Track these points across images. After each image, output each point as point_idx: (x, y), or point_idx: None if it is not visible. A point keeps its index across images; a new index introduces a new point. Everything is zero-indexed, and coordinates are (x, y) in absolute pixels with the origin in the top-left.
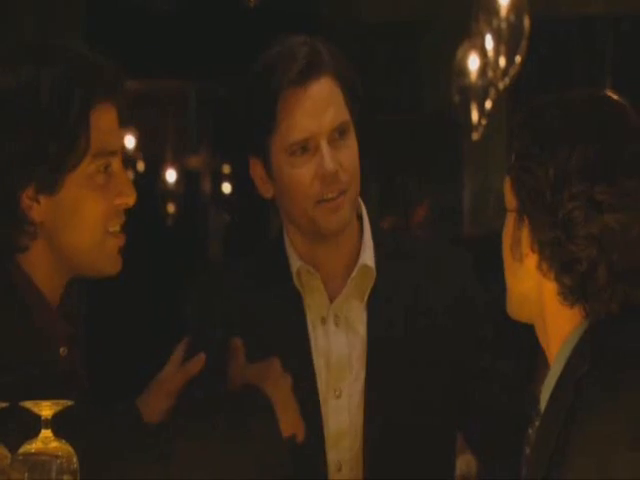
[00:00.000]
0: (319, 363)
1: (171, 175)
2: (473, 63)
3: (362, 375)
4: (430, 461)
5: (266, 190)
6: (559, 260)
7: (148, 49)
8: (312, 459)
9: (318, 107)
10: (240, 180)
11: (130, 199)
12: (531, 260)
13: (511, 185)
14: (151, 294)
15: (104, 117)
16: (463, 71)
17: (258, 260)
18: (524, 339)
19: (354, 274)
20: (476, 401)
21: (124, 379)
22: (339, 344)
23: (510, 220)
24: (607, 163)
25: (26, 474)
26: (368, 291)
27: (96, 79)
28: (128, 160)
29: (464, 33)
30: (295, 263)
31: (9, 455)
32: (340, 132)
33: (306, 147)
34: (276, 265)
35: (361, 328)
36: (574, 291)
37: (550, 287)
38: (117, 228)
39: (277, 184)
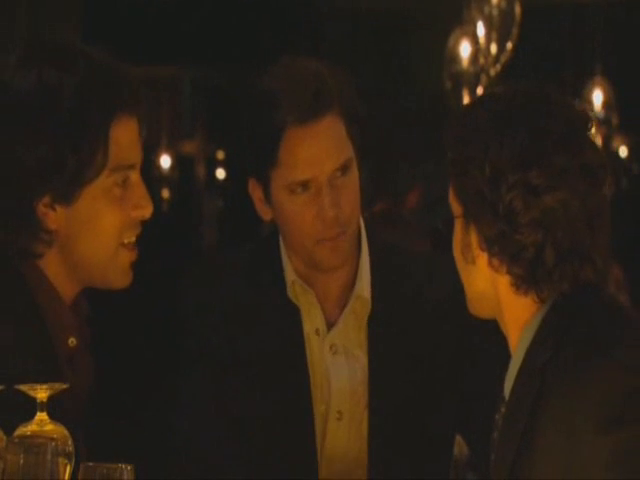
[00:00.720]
0: (314, 379)
1: (165, 161)
2: (465, 50)
3: (364, 400)
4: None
5: (265, 213)
6: (508, 252)
7: (142, 35)
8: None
9: (321, 149)
10: (234, 166)
11: (147, 211)
12: (482, 260)
13: (453, 190)
14: (146, 279)
15: (124, 130)
16: (455, 58)
17: (253, 260)
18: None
19: (349, 307)
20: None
21: (120, 367)
22: (338, 368)
23: (458, 225)
24: (535, 146)
25: (21, 456)
26: (365, 319)
27: (118, 91)
28: None
29: (456, 20)
30: (290, 275)
31: (5, 437)
32: (342, 169)
33: (306, 187)
34: (271, 270)
35: (361, 354)
36: (526, 279)
37: (503, 281)
38: (132, 240)
39: (276, 214)
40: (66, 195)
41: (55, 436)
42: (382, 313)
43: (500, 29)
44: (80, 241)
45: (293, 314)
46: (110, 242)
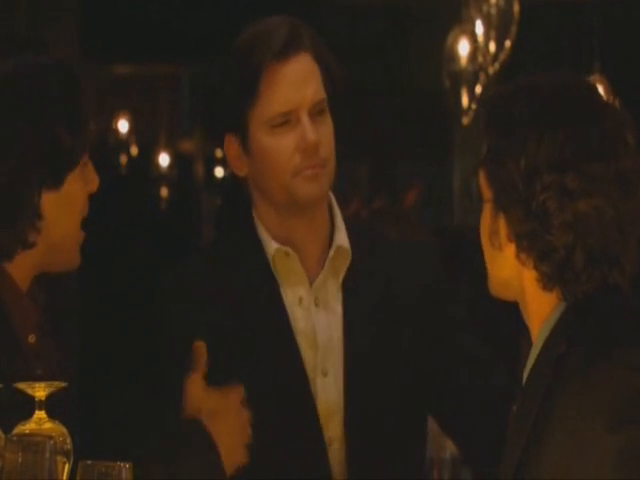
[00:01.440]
0: (302, 343)
1: (164, 159)
2: (463, 48)
3: (342, 353)
4: (404, 438)
5: (240, 168)
6: (536, 250)
7: (141, 33)
8: (307, 436)
9: (300, 80)
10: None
11: (95, 185)
12: (510, 249)
13: (485, 177)
14: (143, 277)
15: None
16: (453, 56)
17: (231, 247)
18: (506, 321)
19: (331, 254)
20: (449, 384)
21: (112, 364)
22: (321, 324)
23: (487, 210)
24: (575, 150)
25: (20, 454)
26: (343, 271)
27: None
28: (121, 144)
29: (454, 18)
30: (271, 246)
31: (3, 436)
32: (319, 109)
33: (288, 119)
34: (250, 251)
35: (338, 308)
36: (552, 278)
37: (529, 275)
38: (85, 216)
39: (254, 159)
40: (57, 180)
41: (53, 434)
42: (357, 270)
43: (499, 27)
44: (60, 223)
45: (275, 292)
46: (78, 221)
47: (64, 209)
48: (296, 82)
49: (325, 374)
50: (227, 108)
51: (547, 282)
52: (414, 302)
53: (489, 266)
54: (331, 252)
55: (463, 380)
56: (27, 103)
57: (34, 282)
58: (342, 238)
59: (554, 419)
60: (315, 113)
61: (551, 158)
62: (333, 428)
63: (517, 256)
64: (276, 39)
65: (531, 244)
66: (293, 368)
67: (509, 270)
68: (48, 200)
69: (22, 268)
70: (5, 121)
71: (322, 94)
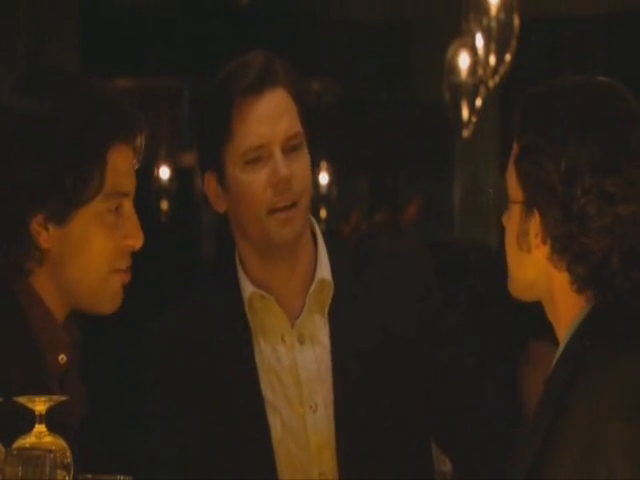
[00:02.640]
0: (287, 381)
1: (164, 172)
2: (464, 61)
3: (332, 386)
4: (408, 466)
5: (219, 205)
6: (571, 252)
7: (141, 47)
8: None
9: (273, 115)
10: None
11: (137, 242)
12: (540, 251)
13: (518, 177)
14: (144, 290)
15: (121, 158)
16: (454, 69)
17: (213, 290)
18: (504, 335)
19: (312, 289)
20: (442, 400)
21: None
22: (306, 360)
23: (516, 211)
24: (615, 153)
25: (20, 468)
26: (328, 304)
27: (118, 121)
28: None
29: (455, 32)
30: (247, 289)
31: (3, 449)
32: (294, 144)
33: (260, 155)
34: (228, 295)
35: (325, 340)
36: (587, 280)
37: (560, 277)
38: (123, 267)
39: (231, 195)
40: (60, 216)
41: (53, 448)
42: (342, 302)
43: (499, 41)
44: (71, 263)
45: (246, 335)
46: (100, 268)
47: (73, 249)
48: (268, 117)
49: (314, 410)
50: (204, 145)
51: (581, 284)
52: (403, 325)
53: (513, 268)
54: (312, 287)
55: (458, 400)
56: (28, 137)
57: (69, 318)
58: (324, 271)
59: (573, 412)
60: (289, 148)
61: (592, 161)
62: (326, 462)
63: (549, 258)
64: (248, 74)
65: (566, 246)
66: (257, 418)
67: (536, 272)
68: (54, 234)
69: (52, 297)
70: (3, 151)
71: (297, 128)
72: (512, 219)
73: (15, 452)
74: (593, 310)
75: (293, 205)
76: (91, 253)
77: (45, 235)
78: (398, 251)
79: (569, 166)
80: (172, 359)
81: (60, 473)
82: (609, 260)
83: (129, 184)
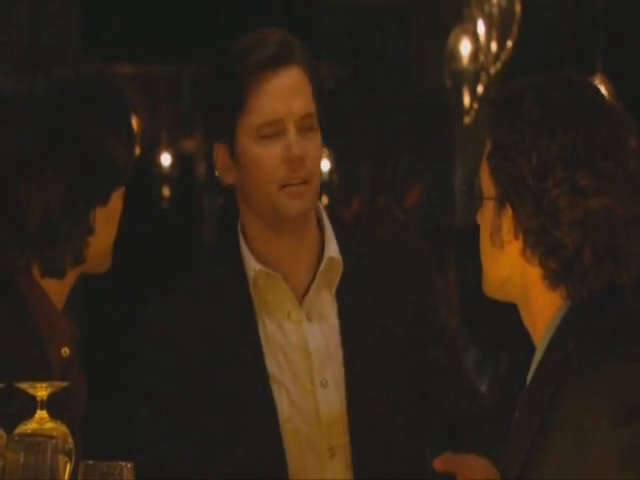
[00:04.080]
0: (295, 357)
1: (166, 159)
2: (465, 48)
3: (342, 363)
4: (410, 442)
5: (228, 176)
6: (544, 246)
7: (142, 33)
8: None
9: (289, 92)
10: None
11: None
12: (513, 247)
13: (490, 173)
14: (146, 275)
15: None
16: (455, 56)
17: (213, 271)
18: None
19: (322, 267)
20: (430, 399)
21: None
22: (315, 337)
23: (488, 208)
24: (587, 147)
25: (22, 454)
26: (336, 282)
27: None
28: None
29: (456, 18)
30: (252, 266)
31: (5, 435)
32: (308, 124)
33: (275, 130)
34: (232, 273)
35: (333, 318)
36: (559, 275)
37: (533, 272)
38: None
39: (241, 168)
40: (106, 197)
41: (55, 434)
42: (349, 280)
43: (500, 27)
44: (102, 238)
45: (251, 316)
46: (115, 229)
47: (109, 223)
48: (284, 93)
49: (325, 385)
50: (216, 116)
51: (553, 279)
52: (404, 305)
53: (487, 265)
54: (322, 264)
55: (439, 396)
56: (77, 119)
57: (66, 308)
58: (333, 249)
59: (560, 418)
60: (303, 128)
61: (563, 154)
62: (335, 438)
63: (522, 253)
64: (266, 50)
65: (539, 240)
66: (262, 393)
67: (510, 268)
68: (98, 216)
69: (53, 286)
70: (57, 139)
71: (311, 108)
72: (485, 216)
73: (17, 438)
74: (570, 310)
75: (305, 182)
76: (117, 223)
77: (94, 220)
78: (396, 238)
79: (540, 160)
80: (173, 338)
81: (62, 459)
82: (581, 254)
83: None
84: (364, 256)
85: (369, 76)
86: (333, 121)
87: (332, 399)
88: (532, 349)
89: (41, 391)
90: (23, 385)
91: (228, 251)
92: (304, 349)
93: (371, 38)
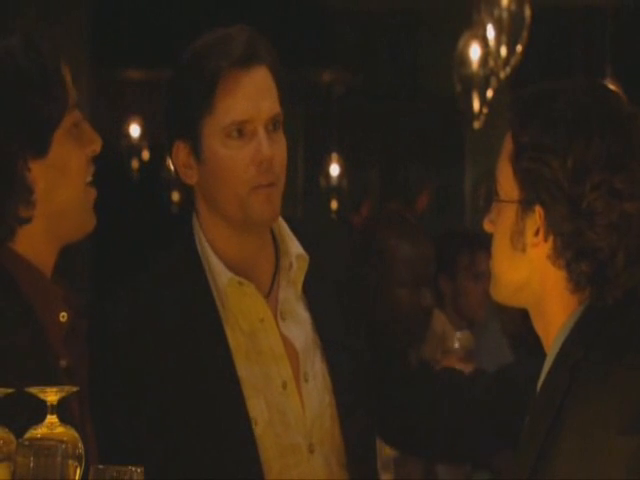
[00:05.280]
0: (273, 359)
1: None
2: (474, 52)
3: (319, 355)
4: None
5: (189, 176)
6: (575, 249)
7: (151, 38)
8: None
9: (258, 92)
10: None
11: (97, 145)
12: (539, 249)
13: (515, 175)
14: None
15: (68, 72)
16: (465, 60)
17: (174, 265)
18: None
19: (295, 266)
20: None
21: None
22: (292, 334)
23: (509, 211)
24: (622, 151)
25: (32, 459)
26: (301, 276)
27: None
28: (133, 148)
29: (466, 23)
30: (224, 275)
31: (15, 440)
32: (274, 124)
33: (243, 131)
34: (192, 280)
35: (304, 313)
36: (590, 277)
37: (555, 275)
38: (90, 179)
39: (207, 169)
40: (42, 145)
41: (65, 439)
42: (311, 273)
43: (510, 32)
44: (58, 189)
45: (218, 330)
46: (79, 184)
47: (58, 175)
48: (253, 93)
49: (307, 380)
50: (180, 114)
51: (581, 281)
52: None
53: (502, 269)
54: (294, 263)
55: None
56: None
57: (58, 265)
58: (296, 246)
59: (569, 423)
60: (271, 128)
61: (601, 157)
62: (316, 433)
63: (548, 256)
64: (236, 48)
65: (571, 243)
66: (233, 395)
67: (529, 271)
68: (37, 170)
69: (37, 247)
70: None
71: (277, 109)
72: (505, 219)
73: (27, 443)
74: (583, 316)
75: (272, 185)
76: (72, 172)
77: (30, 176)
78: (407, 241)
79: (576, 163)
80: (137, 344)
81: (72, 464)
82: (615, 257)
83: (74, 94)
84: (312, 243)
85: (379, 82)
86: (343, 126)
87: (314, 393)
88: (540, 354)
89: (51, 395)
90: (33, 389)
91: (185, 252)
92: (280, 348)
93: (381, 44)
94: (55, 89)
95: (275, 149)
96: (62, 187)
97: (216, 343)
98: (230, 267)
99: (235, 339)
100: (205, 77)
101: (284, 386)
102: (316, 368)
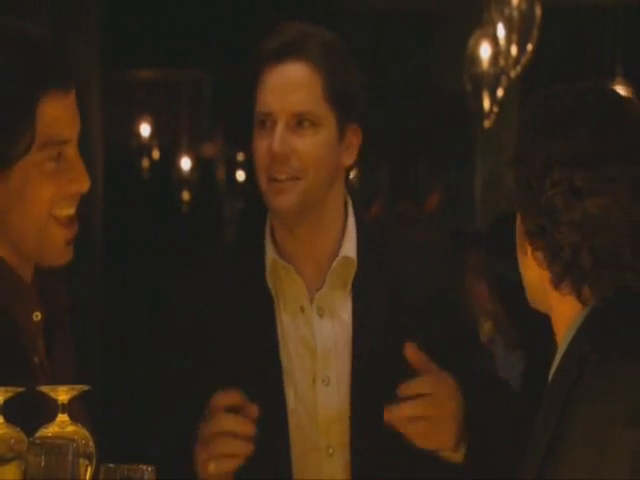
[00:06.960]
0: (303, 352)
1: (186, 163)
2: (485, 51)
3: (348, 362)
4: (408, 447)
5: None
6: (544, 248)
7: (162, 38)
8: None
9: (285, 87)
10: (255, 167)
11: (83, 185)
12: (530, 251)
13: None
14: (165, 281)
15: (54, 106)
16: (475, 59)
17: (237, 255)
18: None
19: (334, 266)
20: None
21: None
22: (324, 333)
23: (520, 215)
24: (591, 150)
25: (43, 458)
26: (351, 280)
27: (43, 66)
28: (143, 148)
29: (476, 22)
30: (270, 255)
31: (26, 439)
32: (301, 120)
33: (265, 122)
34: (252, 259)
35: (345, 316)
36: (562, 278)
37: (545, 276)
38: (66, 213)
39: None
40: (1, 167)
41: (76, 437)
42: (366, 278)
43: (520, 31)
44: (12, 215)
45: (268, 304)
46: (40, 214)
47: (14, 199)
48: (280, 87)
49: (327, 383)
50: (242, 109)
51: (558, 282)
52: (424, 309)
53: (522, 274)
54: (335, 263)
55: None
56: None
57: (40, 276)
58: (349, 248)
59: (575, 419)
60: (295, 124)
61: (563, 156)
62: (334, 437)
63: (533, 256)
64: (273, 42)
65: (542, 243)
66: (274, 381)
67: (531, 273)
68: None
69: (13, 260)
70: None
71: (309, 106)
72: (518, 223)
73: (38, 441)
74: (589, 315)
75: (294, 179)
76: (30, 201)
77: None
78: (418, 237)
79: (543, 162)
80: (192, 322)
81: (83, 462)
82: (579, 257)
83: (67, 131)
84: (385, 255)
85: (390, 80)
86: None
87: (332, 398)
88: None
89: (62, 394)
90: (44, 388)
91: (253, 238)
92: (311, 345)
93: (391, 42)
94: (14, 130)
95: (298, 144)
96: (18, 213)
97: (266, 324)
98: (279, 252)
99: (281, 322)
100: (250, 72)
101: (309, 381)
102: (342, 374)
